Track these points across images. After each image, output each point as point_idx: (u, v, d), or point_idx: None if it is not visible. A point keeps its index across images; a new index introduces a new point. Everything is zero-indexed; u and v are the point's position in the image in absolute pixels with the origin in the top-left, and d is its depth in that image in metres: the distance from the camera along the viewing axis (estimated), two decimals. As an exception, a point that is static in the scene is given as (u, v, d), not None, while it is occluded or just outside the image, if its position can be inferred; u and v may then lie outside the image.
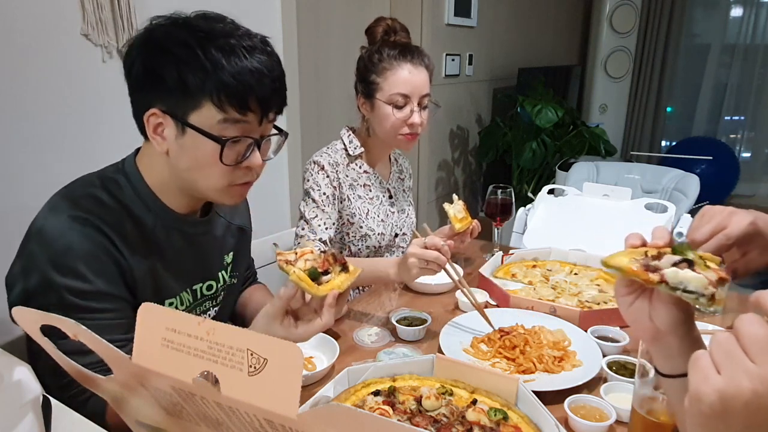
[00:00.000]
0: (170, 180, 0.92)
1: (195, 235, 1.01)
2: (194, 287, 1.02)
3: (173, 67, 0.82)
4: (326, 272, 0.93)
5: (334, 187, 1.44)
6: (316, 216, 1.40)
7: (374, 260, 1.30)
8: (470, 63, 3.59)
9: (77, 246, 0.83)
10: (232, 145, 0.86)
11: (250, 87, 0.84)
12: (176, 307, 0.98)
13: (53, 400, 0.65)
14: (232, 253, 1.12)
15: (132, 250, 0.88)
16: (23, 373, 0.58)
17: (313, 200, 1.42)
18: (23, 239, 0.86)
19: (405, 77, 1.39)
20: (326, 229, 1.40)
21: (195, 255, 1.01)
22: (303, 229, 1.40)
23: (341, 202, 1.47)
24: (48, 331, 0.48)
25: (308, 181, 1.44)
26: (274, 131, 0.94)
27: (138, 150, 0.96)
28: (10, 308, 0.85)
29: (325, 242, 1.39)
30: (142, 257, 0.90)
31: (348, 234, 1.50)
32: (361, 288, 1.56)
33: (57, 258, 0.82)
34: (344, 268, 0.95)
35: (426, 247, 1.14)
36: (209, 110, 0.84)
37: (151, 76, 0.84)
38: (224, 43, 0.82)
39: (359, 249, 1.52)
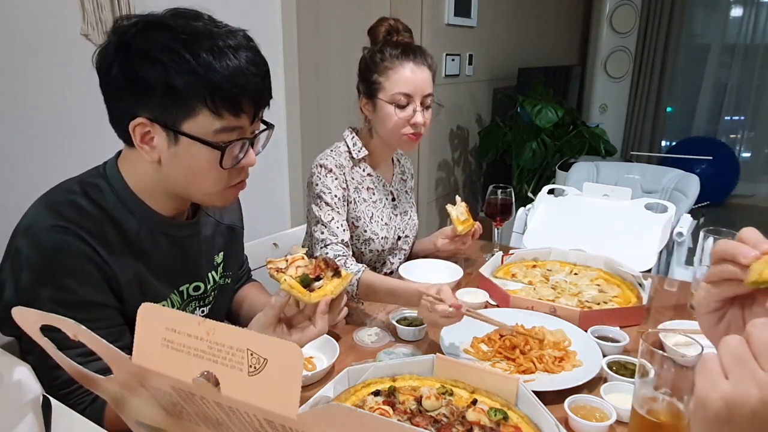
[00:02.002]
0: (156, 184, 0.90)
1: (182, 237, 0.99)
2: (180, 288, 1.01)
3: (160, 74, 0.79)
4: (318, 278, 0.92)
5: (343, 189, 1.43)
6: (333, 219, 1.38)
7: (406, 286, 1.24)
8: (470, 63, 3.59)
9: (60, 256, 0.81)
10: (230, 148, 0.85)
11: (243, 88, 0.82)
12: None
13: (53, 400, 0.65)
14: (222, 252, 1.11)
15: (115, 257, 0.87)
16: (23, 373, 0.58)
17: (326, 203, 1.39)
18: (6, 247, 0.85)
19: (407, 76, 1.37)
20: (344, 230, 1.39)
21: (182, 257, 0.99)
22: (322, 233, 1.37)
23: (347, 205, 1.46)
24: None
25: (317, 185, 1.41)
26: (262, 126, 0.93)
27: (119, 153, 0.94)
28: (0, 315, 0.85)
29: (346, 244, 1.37)
30: (126, 263, 0.88)
31: (351, 238, 1.49)
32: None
33: (41, 269, 0.81)
34: (336, 273, 0.93)
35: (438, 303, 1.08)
36: (205, 118, 0.82)
37: (133, 84, 0.80)
38: (212, 45, 0.80)
39: (362, 252, 1.51)
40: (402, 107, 1.38)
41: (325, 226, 1.37)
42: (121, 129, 0.86)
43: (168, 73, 0.79)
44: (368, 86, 1.42)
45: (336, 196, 1.40)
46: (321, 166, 1.42)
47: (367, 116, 1.47)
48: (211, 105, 0.81)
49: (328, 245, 1.35)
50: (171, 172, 0.87)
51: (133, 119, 0.82)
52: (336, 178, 1.41)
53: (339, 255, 1.33)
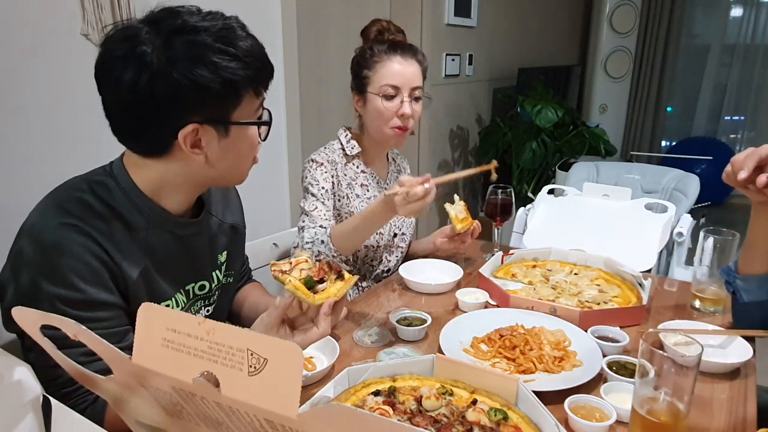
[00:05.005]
0: (179, 181, 0.91)
1: (188, 236, 1.00)
2: (186, 287, 1.01)
3: (213, 73, 0.79)
4: (321, 281, 0.93)
5: (333, 183, 1.45)
6: (317, 208, 1.41)
7: (368, 207, 1.27)
8: (470, 63, 3.59)
9: (67, 253, 0.81)
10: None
11: (268, 65, 0.88)
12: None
13: (53, 400, 0.65)
14: (225, 252, 1.11)
15: (123, 255, 0.87)
16: (23, 373, 0.58)
17: (312, 194, 1.43)
18: (13, 245, 0.85)
19: (395, 69, 1.41)
20: (326, 219, 1.41)
21: (187, 256, 1.00)
22: (303, 221, 1.39)
23: (339, 200, 1.47)
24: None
25: (306, 178, 1.45)
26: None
27: (123, 153, 0.94)
28: (2, 313, 0.86)
29: (324, 228, 1.38)
30: (134, 261, 0.89)
31: None
32: (360, 287, 1.56)
33: (47, 266, 0.80)
34: (340, 275, 0.95)
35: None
36: (249, 101, 0.86)
37: (184, 92, 0.79)
38: (236, 33, 0.83)
39: (357, 249, 1.52)
40: (390, 98, 1.41)
41: (308, 215, 1.40)
42: (156, 144, 0.86)
43: (221, 69, 0.80)
44: (359, 82, 1.46)
45: (323, 187, 1.42)
46: (312, 161, 1.46)
47: (359, 113, 1.50)
48: (255, 87, 0.86)
49: (304, 230, 1.36)
50: (219, 164, 0.89)
51: (182, 129, 0.82)
52: (325, 171, 1.44)
53: (313, 234, 1.34)
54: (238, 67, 0.82)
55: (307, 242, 1.33)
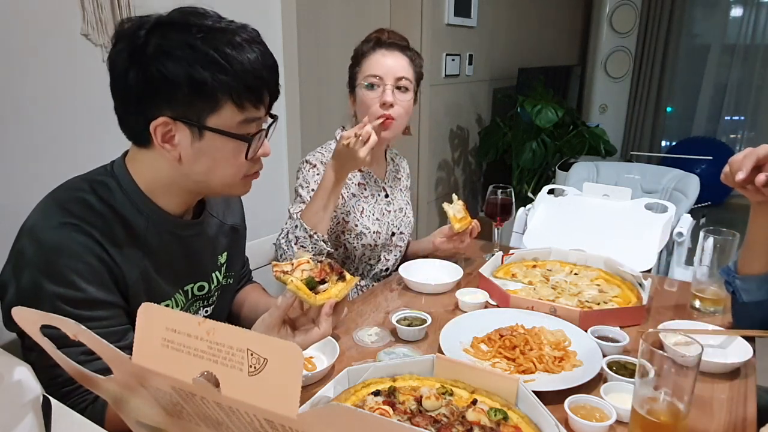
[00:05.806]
0: (171, 181, 0.91)
1: (188, 236, 1.00)
2: (185, 288, 1.01)
3: (185, 70, 0.79)
4: (323, 281, 0.93)
5: None
6: (300, 211, 1.40)
7: (319, 188, 1.32)
8: (470, 63, 3.59)
9: (68, 253, 0.81)
10: (254, 139, 0.88)
11: (263, 80, 0.86)
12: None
13: (53, 400, 0.65)
14: (225, 253, 1.11)
15: (123, 255, 0.87)
16: (23, 373, 0.58)
17: (300, 197, 1.43)
18: (13, 244, 0.85)
19: (378, 60, 1.43)
20: None
21: (187, 256, 1.00)
22: (286, 224, 1.39)
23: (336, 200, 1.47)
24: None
25: (298, 179, 1.45)
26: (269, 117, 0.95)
27: (126, 152, 0.94)
28: (3, 313, 0.86)
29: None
30: (134, 261, 0.89)
31: (344, 233, 1.50)
32: (358, 287, 1.56)
33: (48, 265, 0.80)
34: (341, 276, 0.95)
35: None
36: (229, 111, 0.84)
37: (155, 84, 0.81)
38: (230, 39, 0.82)
39: (355, 247, 1.52)
40: (372, 87, 1.43)
41: (291, 218, 1.39)
42: (136, 131, 0.87)
43: (194, 69, 0.80)
44: (350, 80, 1.49)
45: (313, 189, 1.42)
46: (306, 162, 1.46)
47: (354, 111, 1.51)
48: (236, 98, 0.83)
49: (282, 232, 1.35)
50: (193, 168, 0.88)
51: (154, 120, 0.82)
52: (317, 173, 1.44)
53: (284, 227, 1.34)
54: (217, 71, 0.80)
55: (282, 237, 1.33)
